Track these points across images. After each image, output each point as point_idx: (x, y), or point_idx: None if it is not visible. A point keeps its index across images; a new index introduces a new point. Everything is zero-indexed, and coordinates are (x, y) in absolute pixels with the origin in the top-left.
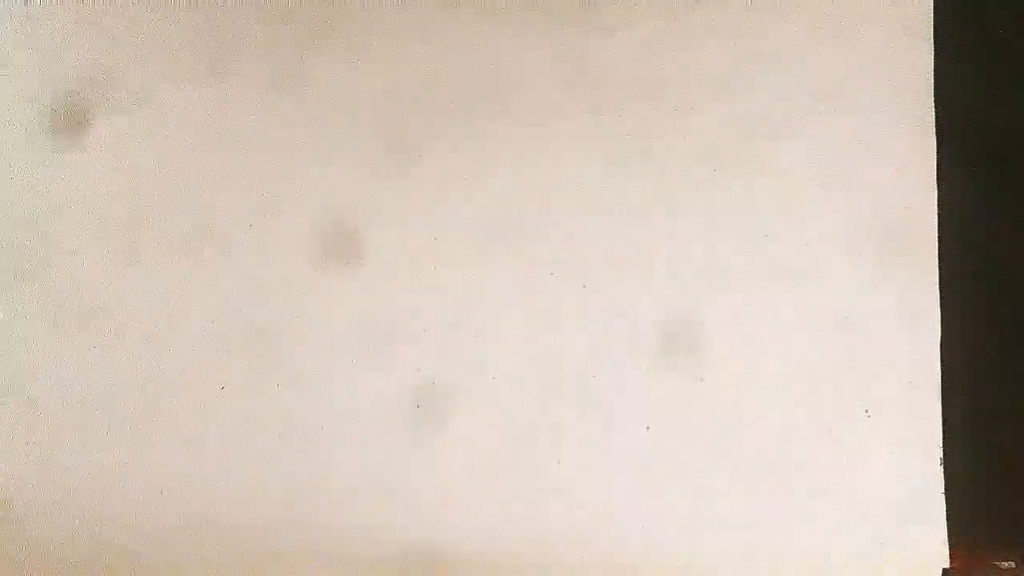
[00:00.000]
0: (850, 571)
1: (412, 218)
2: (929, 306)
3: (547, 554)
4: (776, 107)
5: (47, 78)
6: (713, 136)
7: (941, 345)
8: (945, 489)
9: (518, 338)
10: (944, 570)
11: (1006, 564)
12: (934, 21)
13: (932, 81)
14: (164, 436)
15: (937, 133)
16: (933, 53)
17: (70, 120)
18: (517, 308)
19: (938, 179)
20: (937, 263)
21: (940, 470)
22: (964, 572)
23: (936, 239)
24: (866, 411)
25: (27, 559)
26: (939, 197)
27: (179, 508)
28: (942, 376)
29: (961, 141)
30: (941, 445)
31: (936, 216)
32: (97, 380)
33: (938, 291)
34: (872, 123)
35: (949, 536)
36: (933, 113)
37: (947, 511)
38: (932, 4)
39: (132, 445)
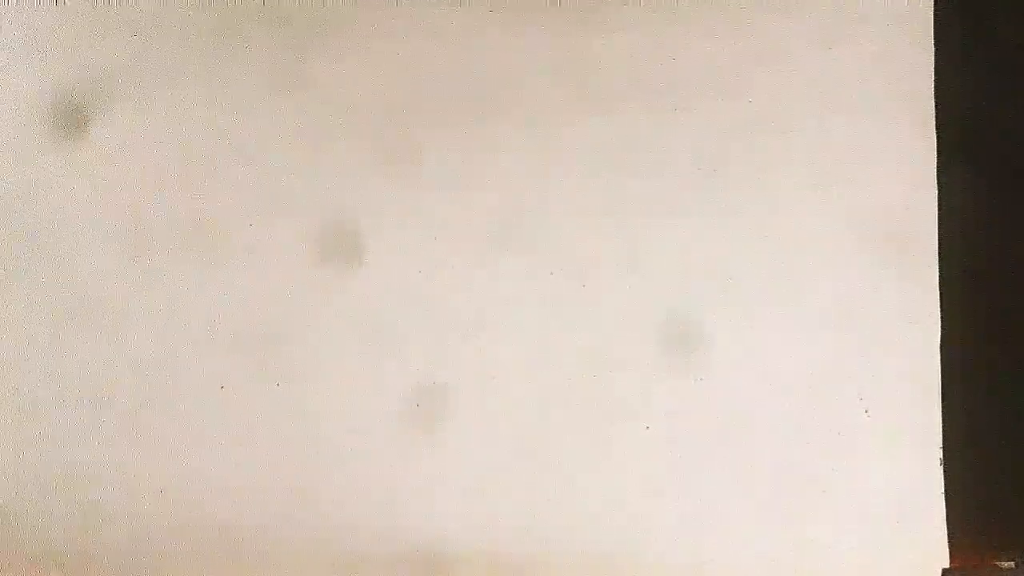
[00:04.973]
0: (850, 571)
1: (412, 218)
2: (929, 306)
3: (547, 554)
4: (776, 107)
5: (47, 78)
6: (713, 136)
7: (941, 345)
8: (945, 489)
9: (518, 338)
10: (944, 570)
11: (1006, 564)
12: (934, 21)
13: (932, 81)
14: (164, 435)
15: (937, 133)
16: (933, 53)
17: (70, 120)
18: (517, 308)
19: (938, 179)
20: (937, 263)
21: (940, 470)
22: (964, 572)
23: (936, 239)
24: (866, 411)
25: (27, 559)
26: (939, 197)
27: (179, 508)
28: (942, 376)
29: (961, 141)
30: (941, 445)
31: (936, 216)
32: (96, 379)
33: (938, 291)
34: (872, 123)
35: (949, 536)
36: (933, 113)
37: (947, 511)
38: (932, 4)
39: (131, 444)
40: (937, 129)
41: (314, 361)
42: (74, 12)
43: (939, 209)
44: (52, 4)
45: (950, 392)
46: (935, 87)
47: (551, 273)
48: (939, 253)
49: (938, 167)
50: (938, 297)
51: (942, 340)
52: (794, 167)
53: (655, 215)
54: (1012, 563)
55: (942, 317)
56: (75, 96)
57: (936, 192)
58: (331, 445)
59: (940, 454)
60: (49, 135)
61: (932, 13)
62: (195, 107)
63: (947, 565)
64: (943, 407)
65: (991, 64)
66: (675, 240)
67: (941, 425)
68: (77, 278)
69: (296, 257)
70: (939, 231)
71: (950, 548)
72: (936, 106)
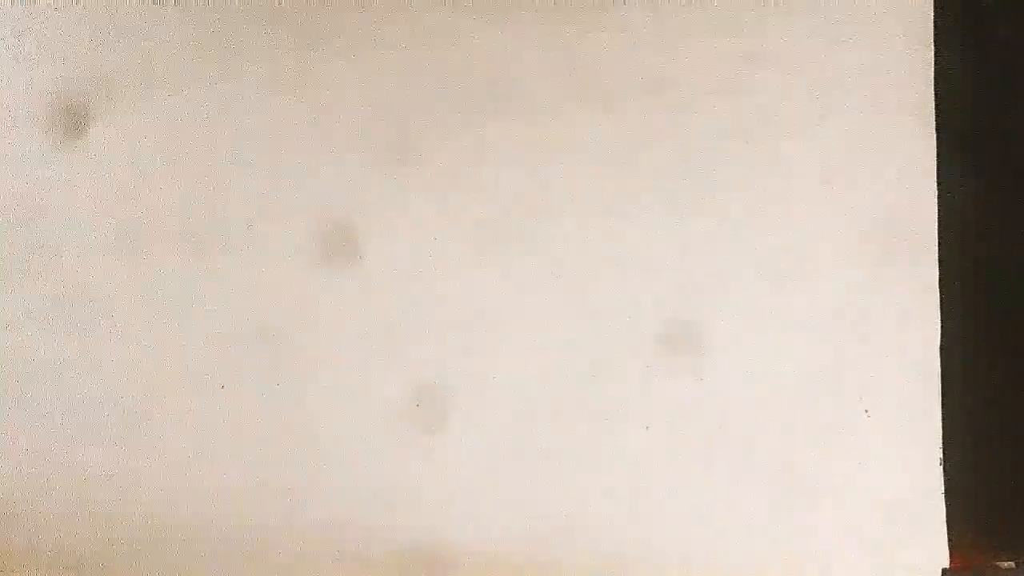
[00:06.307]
0: (850, 571)
1: (412, 218)
2: (929, 306)
3: (547, 553)
4: (776, 107)
5: (47, 78)
6: (713, 136)
7: (941, 345)
8: (945, 489)
9: (518, 338)
10: (944, 570)
11: (1006, 564)
12: (934, 21)
13: (932, 81)
14: (164, 435)
15: (937, 133)
16: (933, 53)
17: (70, 120)
18: (517, 308)
19: (938, 179)
20: (937, 263)
21: (940, 470)
22: (964, 572)
23: (936, 239)
24: (866, 411)
25: (26, 558)
26: (939, 197)
27: (179, 508)
28: (942, 376)
29: (961, 141)
30: (941, 445)
31: (936, 216)
32: (97, 379)
33: (938, 291)
34: (872, 123)
35: (949, 536)
36: (933, 113)
37: (947, 511)
38: (932, 4)
39: (132, 444)
40: (937, 129)
41: (314, 361)
42: (75, 13)
43: (939, 209)
44: (53, 6)
45: (950, 392)
46: (935, 87)
47: (551, 273)
48: (939, 253)
49: (938, 167)
50: (938, 297)
51: (942, 340)
52: (794, 167)
53: (655, 215)
54: (1012, 563)
55: (942, 317)
56: (75, 97)
57: (936, 192)
58: (331, 445)
59: (940, 454)
60: (49, 136)
61: (932, 13)
62: (195, 108)
63: (947, 565)
64: (943, 407)
65: (991, 64)
66: (675, 240)
67: (941, 425)
68: (77, 278)
69: (296, 257)
70: (939, 231)
71: (950, 548)
72: (936, 106)
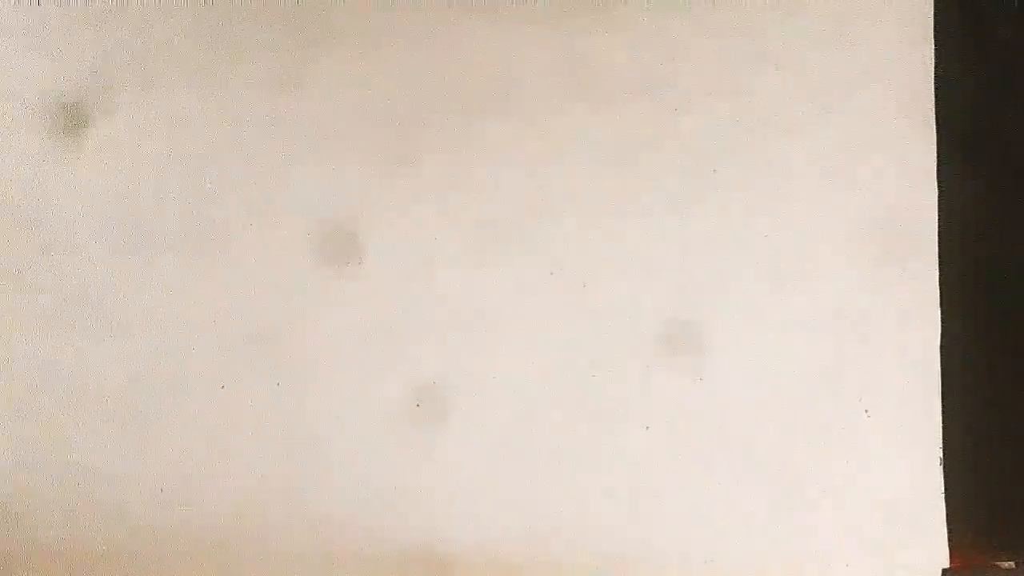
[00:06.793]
0: (849, 571)
1: (412, 218)
2: (929, 306)
3: (547, 554)
4: (776, 107)
5: (47, 78)
6: (713, 136)
7: (941, 345)
8: (945, 489)
9: (518, 338)
10: (944, 570)
11: (1006, 564)
12: (934, 21)
13: (932, 81)
14: (163, 435)
15: (937, 133)
16: (933, 53)
17: (70, 120)
18: (517, 308)
19: (938, 179)
20: (937, 263)
21: (940, 470)
22: (964, 572)
23: (936, 239)
24: (866, 411)
25: (26, 558)
26: (939, 197)
27: (179, 508)
28: (942, 376)
29: (961, 141)
30: (941, 445)
31: (936, 216)
32: (96, 379)
33: (938, 291)
34: (872, 123)
35: (949, 536)
36: (933, 113)
37: (947, 511)
38: (932, 4)
39: (131, 444)
40: (937, 129)
41: (314, 361)
42: (75, 12)
43: (939, 209)
44: (53, 4)
45: (950, 392)
46: (935, 87)
47: (551, 273)
48: (939, 253)
49: (938, 167)
50: (938, 297)
51: (942, 340)
52: (794, 167)
53: (655, 215)
54: (1012, 563)
55: (942, 317)
56: (75, 96)
57: (936, 192)
58: (331, 445)
59: (940, 454)
60: (49, 135)
61: (932, 13)
62: (195, 107)
63: (947, 565)
64: (943, 407)
65: (991, 64)
66: (675, 240)
67: (941, 425)
68: (77, 278)
69: (296, 257)
70: (939, 231)
71: (950, 548)
72: (936, 106)
